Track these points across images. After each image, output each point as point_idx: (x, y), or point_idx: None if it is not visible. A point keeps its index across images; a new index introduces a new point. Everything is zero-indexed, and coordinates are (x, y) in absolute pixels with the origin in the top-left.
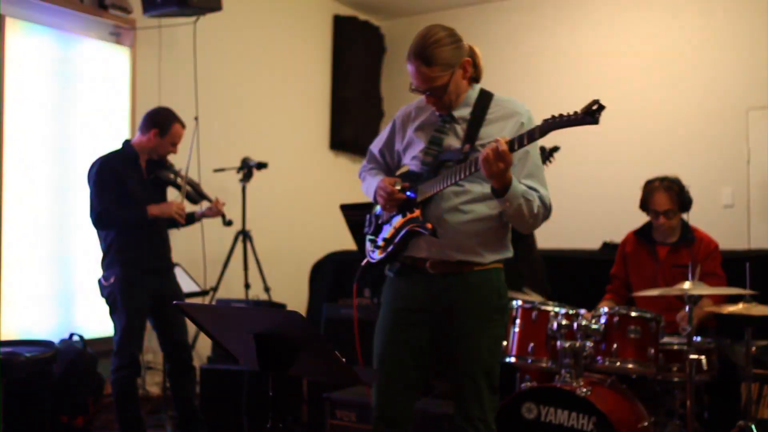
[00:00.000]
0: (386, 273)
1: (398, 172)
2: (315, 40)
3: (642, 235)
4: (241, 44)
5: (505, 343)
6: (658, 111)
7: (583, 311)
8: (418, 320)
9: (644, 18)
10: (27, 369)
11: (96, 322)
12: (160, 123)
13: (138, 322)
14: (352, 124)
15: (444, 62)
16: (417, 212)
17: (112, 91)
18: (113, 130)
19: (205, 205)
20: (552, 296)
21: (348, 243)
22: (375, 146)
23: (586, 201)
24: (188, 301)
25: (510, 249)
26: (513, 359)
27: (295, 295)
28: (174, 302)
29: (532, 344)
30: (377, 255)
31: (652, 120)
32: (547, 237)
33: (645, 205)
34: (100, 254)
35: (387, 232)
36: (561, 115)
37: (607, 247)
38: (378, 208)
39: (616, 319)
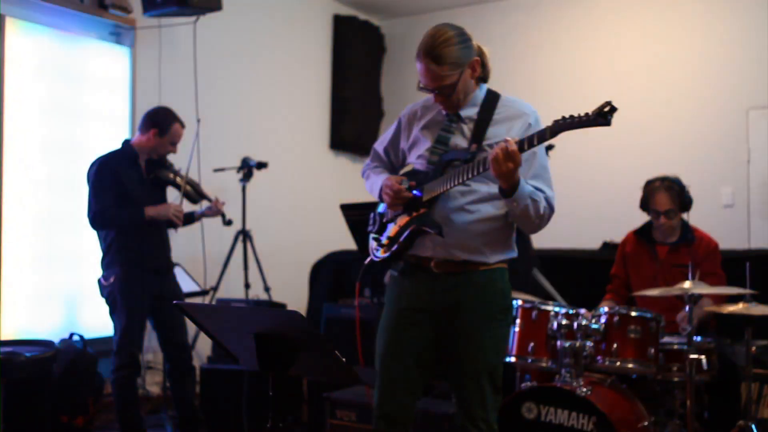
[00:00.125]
0: (390, 272)
1: (402, 171)
2: (315, 40)
3: (642, 234)
4: (241, 44)
5: None
6: (658, 111)
7: (583, 311)
8: (421, 320)
9: (644, 18)
10: (27, 369)
11: (96, 322)
12: (160, 123)
13: (138, 321)
14: (352, 124)
15: (454, 61)
16: (423, 211)
17: (112, 91)
18: (113, 130)
19: (204, 204)
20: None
21: (348, 243)
22: (379, 145)
23: (586, 201)
24: (188, 300)
25: (514, 249)
26: (513, 359)
27: (295, 295)
28: (174, 302)
29: (532, 344)
30: (381, 254)
31: (652, 120)
32: (547, 237)
33: (645, 205)
34: (99, 254)
35: (391, 230)
36: (572, 116)
37: (607, 247)
38: (382, 207)
39: (616, 318)
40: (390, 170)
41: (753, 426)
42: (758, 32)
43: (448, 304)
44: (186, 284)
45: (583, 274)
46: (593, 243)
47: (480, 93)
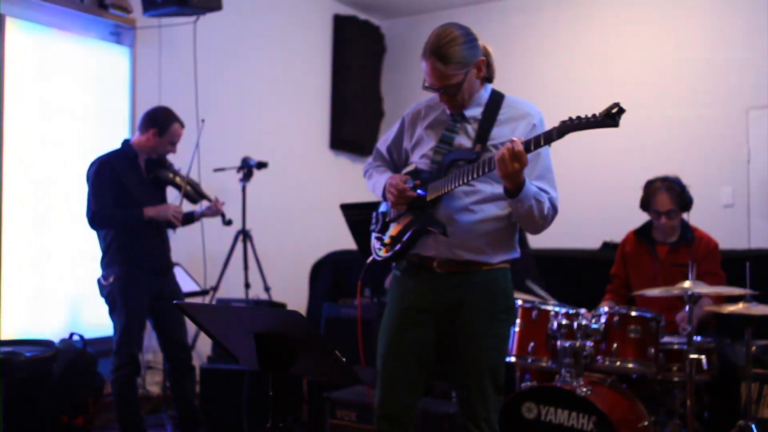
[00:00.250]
0: (393, 271)
1: (405, 170)
2: (315, 40)
3: (642, 234)
4: (241, 44)
5: None
6: (658, 110)
7: (583, 311)
8: (423, 319)
9: (644, 18)
10: (27, 369)
11: (96, 322)
12: (159, 122)
13: (137, 321)
14: (352, 124)
15: (460, 61)
16: (427, 210)
17: (112, 91)
18: (113, 130)
19: (204, 204)
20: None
21: (348, 243)
22: (382, 143)
23: (586, 201)
24: (188, 300)
25: (517, 249)
26: (513, 359)
27: (295, 295)
28: (174, 302)
29: (532, 344)
30: (383, 253)
31: (652, 120)
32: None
33: (646, 205)
34: (99, 254)
35: (394, 229)
36: (579, 117)
37: (607, 247)
38: (384, 206)
39: (616, 318)
40: (393, 169)
41: (753, 426)
42: (758, 32)
43: (451, 304)
44: (186, 284)
45: (583, 274)
46: (593, 243)
47: (485, 93)
